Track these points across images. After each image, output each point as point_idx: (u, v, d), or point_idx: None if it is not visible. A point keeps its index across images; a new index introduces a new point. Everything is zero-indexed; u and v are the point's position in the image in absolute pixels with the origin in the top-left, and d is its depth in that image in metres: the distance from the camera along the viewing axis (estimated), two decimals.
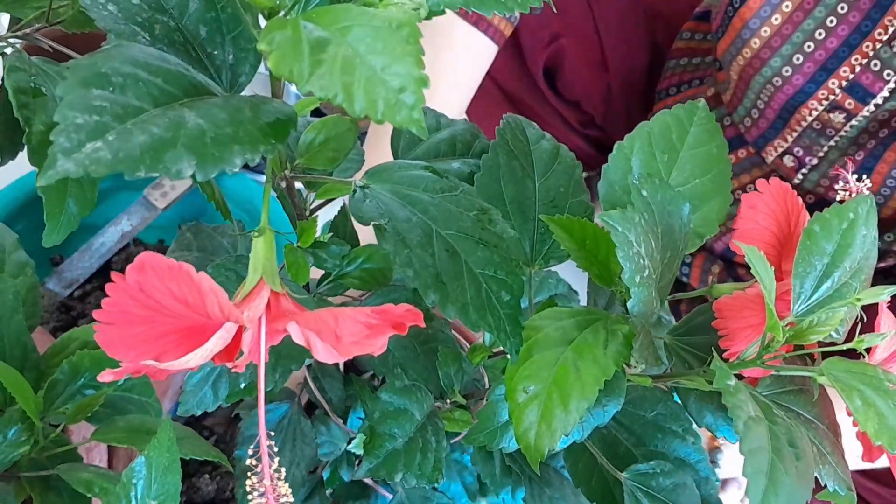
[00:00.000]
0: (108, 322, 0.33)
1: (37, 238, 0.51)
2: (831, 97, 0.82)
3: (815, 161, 0.88)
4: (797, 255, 0.40)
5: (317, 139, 0.48)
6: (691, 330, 0.45)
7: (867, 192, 0.42)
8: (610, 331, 0.41)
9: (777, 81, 0.84)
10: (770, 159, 0.92)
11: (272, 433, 0.57)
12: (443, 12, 0.41)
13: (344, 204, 0.59)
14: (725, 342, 0.41)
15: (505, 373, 0.43)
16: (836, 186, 0.43)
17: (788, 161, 0.90)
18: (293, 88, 1.17)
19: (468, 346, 0.67)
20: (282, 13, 0.34)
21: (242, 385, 0.53)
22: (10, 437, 0.52)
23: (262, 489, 0.36)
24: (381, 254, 0.57)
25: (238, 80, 0.41)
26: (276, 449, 0.37)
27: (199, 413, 0.51)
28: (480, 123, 1.02)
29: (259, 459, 0.36)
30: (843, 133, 0.84)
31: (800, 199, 0.42)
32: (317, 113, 1.16)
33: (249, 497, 0.36)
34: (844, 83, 0.81)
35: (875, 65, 0.79)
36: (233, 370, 0.38)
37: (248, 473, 0.36)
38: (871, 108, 0.80)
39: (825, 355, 0.41)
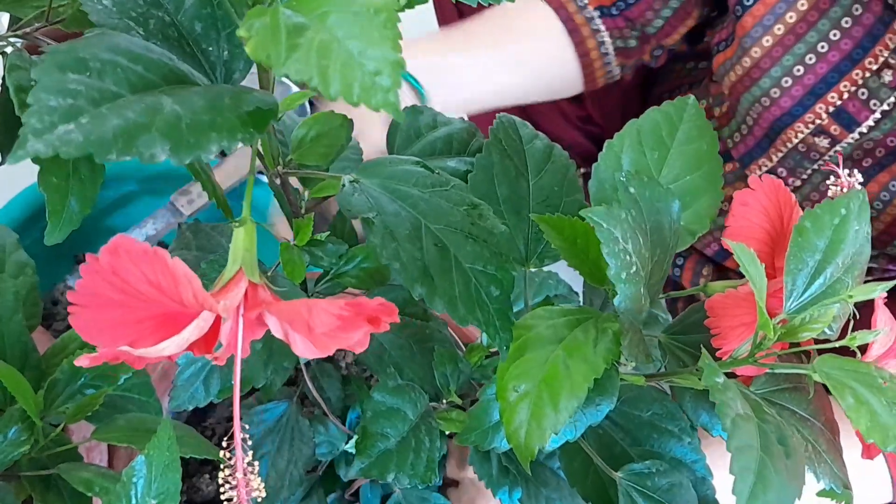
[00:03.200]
0: (81, 304, 0.33)
1: None
2: (818, 121, 0.82)
3: (798, 183, 0.88)
4: (789, 251, 0.39)
5: (309, 135, 0.48)
6: (686, 328, 0.45)
7: (859, 187, 0.41)
8: (600, 329, 0.41)
9: (765, 101, 0.84)
10: None
11: (270, 431, 0.58)
12: (425, 1, 0.42)
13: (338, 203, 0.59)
14: (718, 341, 0.41)
15: (496, 372, 0.43)
16: (828, 182, 0.42)
17: None
18: (295, 87, 1.18)
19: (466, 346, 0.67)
20: (266, 3, 0.35)
21: None
22: (11, 437, 0.52)
23: (234, 482, 0.36)
24: None
25: (232, 76, 0.41)
26: (250, 442, 0.37)
27: (191, 409, 0.52)
28: (480, 119, 1.02)
29: (234, 452, 0.37)
30: (826, 157, 0.84)
31: (793, 196, 0.42)
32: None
33: (222, 489, 0.36)
34: (831, 109, 0.80)
35: (863, 93, 0.79)
36: (214, 362, 0.39)
37: (222, 466, 0.36)
38: (856, 135, 0.80)
39: (821, 353, 0.41)
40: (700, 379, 0.42)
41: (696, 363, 0.44)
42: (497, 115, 0.50)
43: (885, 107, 0.78)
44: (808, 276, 0.39)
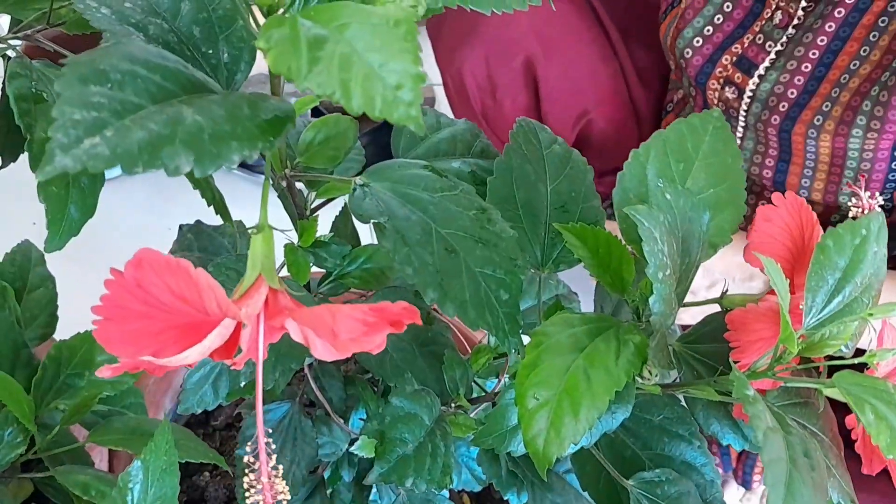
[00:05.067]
0: (106, 317, 0.32)
1: None
2: (725, 73, 0.86)
3: (738, 142, 0.88)
4: (810, 268, 0.39)
5: (316, 138, 0.47)
6: (701, 338, 0.44)
7: (878, 210, 0.42)
8: (622, 340, 0.41)
9: (688, 53, 0.88)
10: None
11: (272, 431, 0.57)
12: (441, 10, 0.41)
13: (345, 204, 0.58)
14: (736, 354, 0.40)
15: (514, 377, 0.43)
16: (850, 203, 0.43)
17: None
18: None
19: (469, 349, 0.67)
20: (280, 11, 0.34)
21: (242, 383, 0.52)
22: (7, 439, 0.50)
23: (259, 486, 0.35)
24: (381, 254, 0.56)
25: (234, 77, 0.39)
26: (273, 447, 0.37)
27: (199, 411, 0.51)
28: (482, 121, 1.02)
29: (257, 457, 0.36)
30: (743, 115, 0.86)
31: (814, 214, 0.43)
32: (317, 113, 1.14)
33: (247, 494, 0.35)
34: (734, 58, 0.85)
35: (759, 38, 0.84)
36: (232, 367, 0.38)
37: (246, 471, 0.36)
38: (756, 79, 0.83)
39: (831, 369, 0.42)
40: (716, 390, 0.43)
41: (711, 373, 0.44)
42: (517, 119, 0.50)
43: (779, 47, 0.82)
44: (827, 294, 0.40)
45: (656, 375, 0.41)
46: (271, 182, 0.48)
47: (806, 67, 0.80)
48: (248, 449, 0.36)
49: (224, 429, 0.75)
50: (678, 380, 0.44)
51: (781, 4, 0.82)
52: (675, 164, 0.43)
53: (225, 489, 0.72)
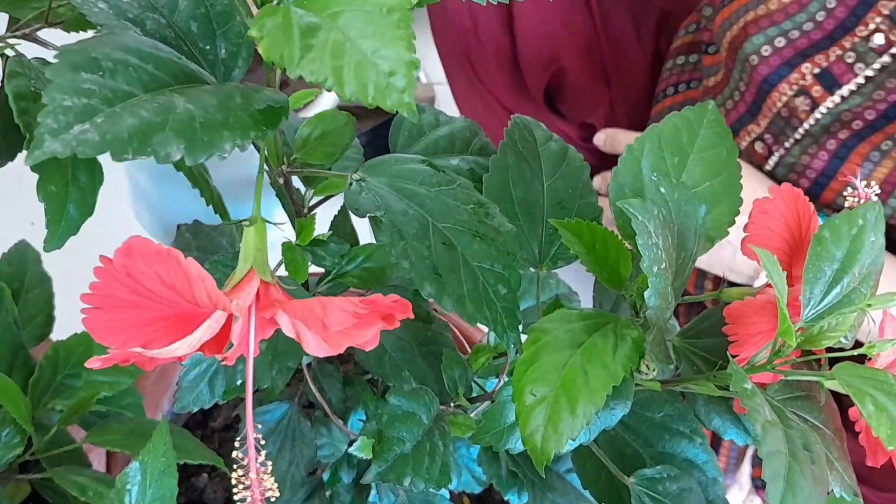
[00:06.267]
0: (95, 306, 0.32)
1: None
2: (801, 82, 0.83)
3: (782, 151, 0.88)
4: (807, 260, 0.39)
5: (313, 134, 0.47)
6: (700, 333, 0.44)
7: (875, 199, 0.42)
8: (619, 335, 0.41)
9: (754, 60, 0.85)
10: (743, 146, 0.91)
11: (270, 432, 0.57)
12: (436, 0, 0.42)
13: (344, 202, 0.58)
14: (735, 348, 0.40)
15: (512, 374, 0.43)
16: (845, 193, 0.43)
17: (759, 147, 0.89)
18: None
19: (469, 348, 0.67)
20: (274, 1, 0.35)
21: (239, 382, 0.52)
22: (4, 440, 0.51)
23: (247, 482, 0.35)
24: (381, 252, 0.56)
25: (231, 73, 0.40)
26: (262, 442, 0.37)
27: (196, 410, 0.51)
28: (483, 121, 1.02)
29: (246, 452, 0.36)
30: (807, 126, 0.84)
31: (811, 205, 0.43)
32: None
33: (235, 490, 0.35)
34: (817, 70, 0.82)
35: (850, 57, 0.80)
36: (223, 362, 0.38)
37: (235, 466, 0.36)
38: (837, 99, 0.80)
39: (832, 361, 0.42)
40: (716, 385, 0.43)
41: (710, 368, 0.44)
42: (512, 115, 0.50)
43: (870, 72, 0.79)
44: (825, 286, 0.39)
45: (654, 370, 0.41)
46: (269, 179, 0.48)
47: (892, 98, 0.78)
48: (236, 444, 0.36)
49: (223, 430, 0.76)
50: (678, 374, 0.44)
51: (883, 28, 0.79)
52: (669, 158, 0.44)
53: (224, 491, 0.72)
